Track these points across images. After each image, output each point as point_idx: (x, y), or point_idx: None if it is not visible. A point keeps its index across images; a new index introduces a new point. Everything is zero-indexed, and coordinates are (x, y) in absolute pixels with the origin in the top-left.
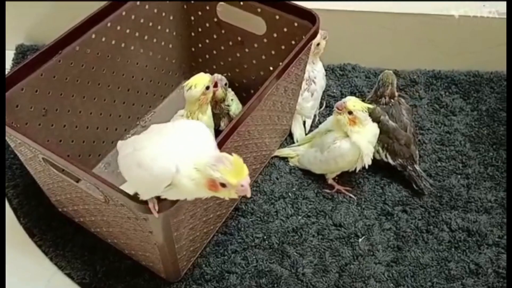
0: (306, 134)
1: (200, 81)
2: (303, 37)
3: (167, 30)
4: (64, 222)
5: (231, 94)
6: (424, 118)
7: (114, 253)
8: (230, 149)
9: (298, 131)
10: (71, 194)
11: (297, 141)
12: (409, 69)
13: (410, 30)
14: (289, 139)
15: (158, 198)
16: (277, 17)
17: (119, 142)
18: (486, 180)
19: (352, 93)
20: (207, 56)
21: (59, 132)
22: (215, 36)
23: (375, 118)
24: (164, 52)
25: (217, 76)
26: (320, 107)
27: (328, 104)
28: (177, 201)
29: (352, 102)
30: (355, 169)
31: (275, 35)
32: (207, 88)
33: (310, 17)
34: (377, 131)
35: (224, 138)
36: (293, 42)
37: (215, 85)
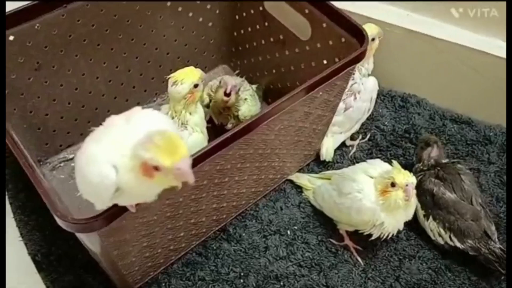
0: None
1: (188, 76)
2: None
3: (208, 6)
4: None
5: (246, 94)
6: (485, 190)
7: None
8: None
9: (324, 147)
10: None
11: (323, 158)
12: (486, 121)
13: (497, 76)
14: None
15: None
16: (324, 25)
17: None
18: None
19: (407, 132)
20: (247, 45)
21: (53, 91)
22: (257, 27)
23: (427, 191)
24: (201, 30)
25: (230, 81)
26: (362, 138)
27: (373, 137)
28: (112, 220)
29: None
30: (371, 235)
31: (318, 45)
32: (196, 86)
33: (359, 35)
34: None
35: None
36: (336, 60)
37: (228, 95)
